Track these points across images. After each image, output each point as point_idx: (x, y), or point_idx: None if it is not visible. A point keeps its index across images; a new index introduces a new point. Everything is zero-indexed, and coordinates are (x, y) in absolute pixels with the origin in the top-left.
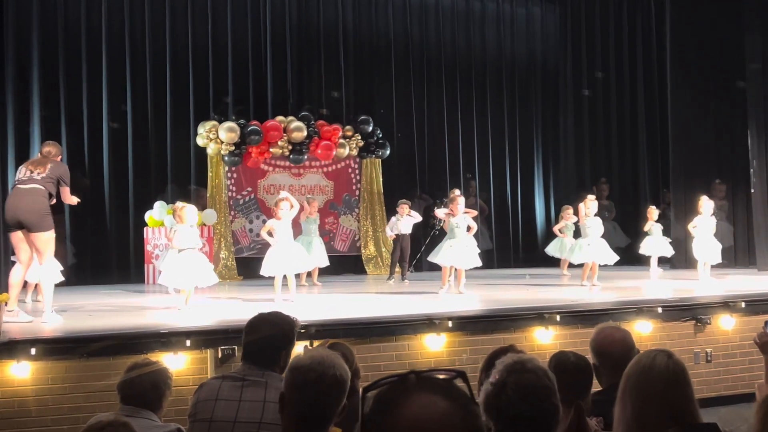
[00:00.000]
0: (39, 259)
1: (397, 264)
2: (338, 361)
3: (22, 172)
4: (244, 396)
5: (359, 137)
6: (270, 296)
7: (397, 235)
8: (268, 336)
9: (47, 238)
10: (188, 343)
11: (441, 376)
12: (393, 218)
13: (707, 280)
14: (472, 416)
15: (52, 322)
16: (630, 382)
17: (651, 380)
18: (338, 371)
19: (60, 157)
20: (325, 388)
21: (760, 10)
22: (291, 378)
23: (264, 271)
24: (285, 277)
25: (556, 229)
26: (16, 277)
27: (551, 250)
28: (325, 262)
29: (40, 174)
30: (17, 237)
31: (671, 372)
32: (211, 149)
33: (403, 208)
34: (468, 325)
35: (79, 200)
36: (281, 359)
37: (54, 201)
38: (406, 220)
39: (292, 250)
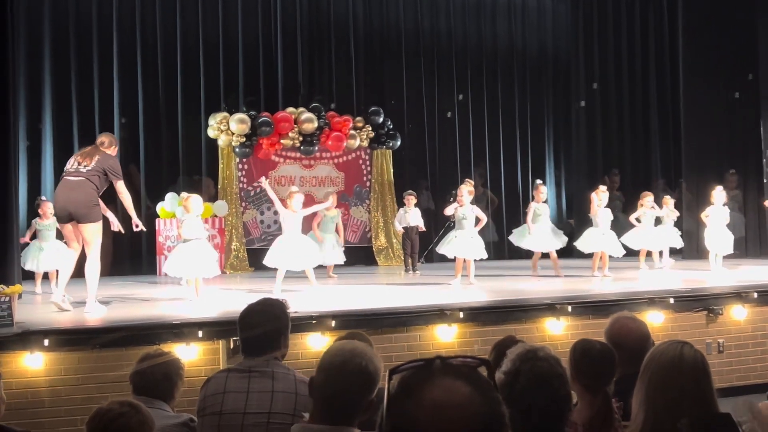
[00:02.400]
0: (86, 249)
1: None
2: (371, 355)
3: (71, 162)
4: (251, 387)
5: (370, 128)
6: (283, 287)
7: (405, 228)
8: (265, 327)
9: (95, 229)
10: (200, 334)
11: (465, 363)
12: (401, 210)
13: (719, 270)
14: (494, 403)
15: (95, 312)
16: (658, 373)
17: (683, 372)
18: (365, 362)
19: (114, 147)
20: (348, 375)
21: None
22: (321, 361)
23: (267, 261)
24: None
25: (632, 218)
26: (70, 264)
27: (628, 240)
28: (338, 260)
29: (86, 167)
30: (67, 229)
31: (700, 363)
32: (222, 141)
33: (410, 199)
34: (479, 315)
35: (141, 227)
36: (282, 343)
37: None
38: (414, 211)
39: (300, 245)
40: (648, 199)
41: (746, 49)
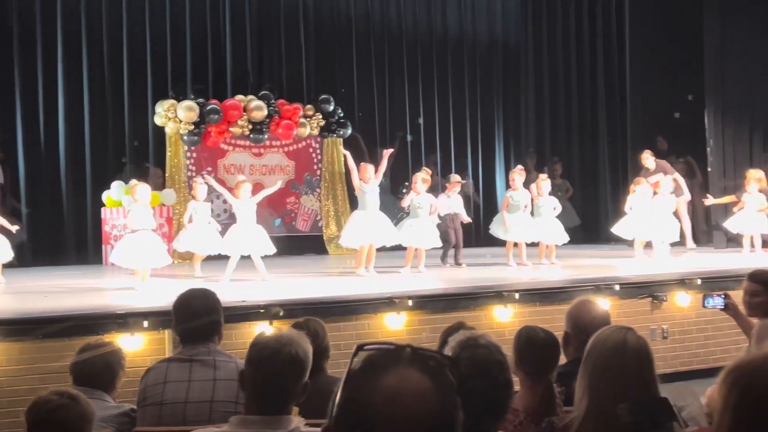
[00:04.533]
0: None
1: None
2: (298, 340)
3: None
4: (193, 376)
5: (320, 116)
6: (232, 276)
7: (446, 215)
8: (210, 316)
9: None
10: (146, 323)
11: (434, 358)
12: (442, 196)
13: (664, 258)
14: (450, 404)
15: None
16: (601, 359)
17: (626, 358)
18: (295, 349)
19: None
20: (280, 366)
21: None
22: (249, 354)
23: (221, 249)
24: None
25: (626, 207)
26: None
27: (619, 230)
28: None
29: None
30: None
31: (643, 349)
32: (169, 128)
33: (454, 184)
34: (428, 303)
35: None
36: (220, 329)
37: None
38: (457, 198)
39: (252, 234)
40: (640, 186)
41: (693, 38)
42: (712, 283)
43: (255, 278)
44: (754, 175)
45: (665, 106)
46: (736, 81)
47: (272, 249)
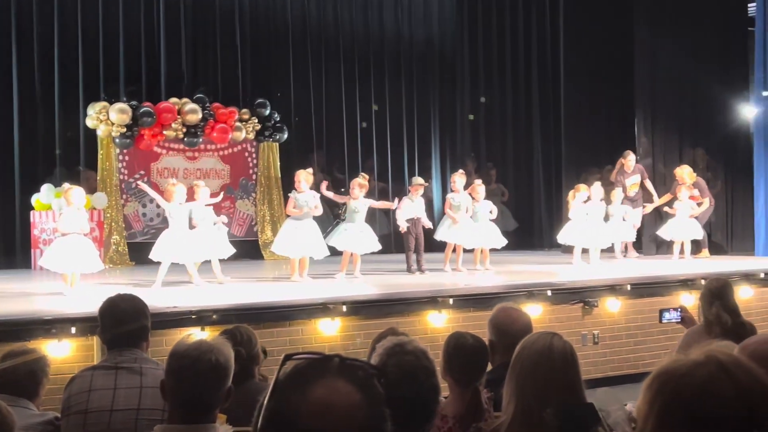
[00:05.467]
0: None
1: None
2: (219, 347)
3: None
4: (119, 383)
5: (256, 120)
6: (165, 279)
7: (409, 220)
8: (139, 322)
9: None
10: (73, 330)
11: (363, 368)
12: (405, 200)
13: (595, 264)
14: (378, 416)
15: None
16: (528, 363)
17: (552, 362)
18: (216, 356)
19: None
20: (202, 374)
21: (648, 1)
22: (169, 364)
23: (153, 255)
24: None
25: (570, 214)
26: None
27: (564, 238)
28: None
29: None
30: None
31: (569, 353)
32: (101, 131)
33: (417, 188)
34: (362, 309)
35: None
36: (148, 335)
37: None
38: (420, 202)
39: (187, 238)
40: (581, 193)
41: (623, 47)
42: (642, 289)
43: (187, 283)
44: (682, 176)
45: (598, 111)
46: (665, 89)
47: (207, 255)
